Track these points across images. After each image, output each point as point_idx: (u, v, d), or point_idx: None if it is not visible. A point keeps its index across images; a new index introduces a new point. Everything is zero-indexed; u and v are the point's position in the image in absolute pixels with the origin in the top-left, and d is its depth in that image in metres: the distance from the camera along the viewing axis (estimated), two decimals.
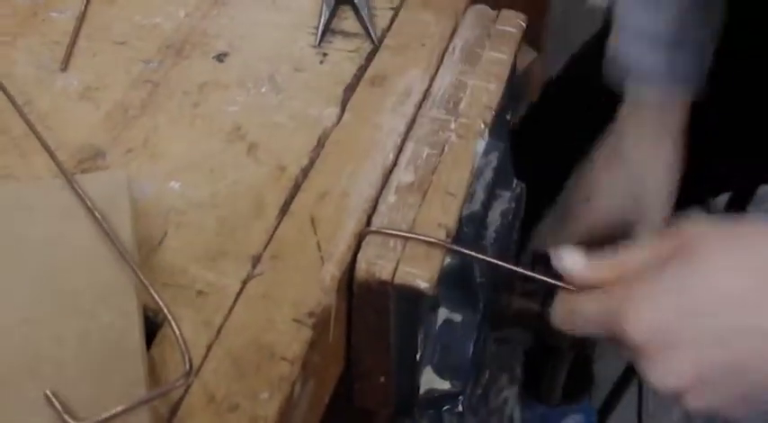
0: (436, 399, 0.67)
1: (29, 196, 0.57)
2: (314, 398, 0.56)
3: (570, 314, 0.58)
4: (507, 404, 1.37)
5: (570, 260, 0.58)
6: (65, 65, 0.69)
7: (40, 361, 0.49)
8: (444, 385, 0.67)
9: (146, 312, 0.53)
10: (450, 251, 0.60)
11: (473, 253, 0.61)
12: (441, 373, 0.67)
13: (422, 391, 0.66)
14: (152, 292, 0.51)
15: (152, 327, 0.53)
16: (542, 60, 1.53)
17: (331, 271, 0.56)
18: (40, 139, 0.61)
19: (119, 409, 0.46)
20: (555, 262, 0.59)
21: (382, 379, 0.63)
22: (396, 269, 0.57)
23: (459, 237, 0.63)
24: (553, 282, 0.60)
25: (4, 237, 0.54)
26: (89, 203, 0.55)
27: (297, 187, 0.61)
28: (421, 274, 0.56)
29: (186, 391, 0.50)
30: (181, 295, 0.55)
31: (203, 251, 0.57)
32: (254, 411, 0.50)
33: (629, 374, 1.47)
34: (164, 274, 0.56)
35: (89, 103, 0.66)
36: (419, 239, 0.58)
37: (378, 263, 0.57)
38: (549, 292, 0.75)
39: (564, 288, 0.59)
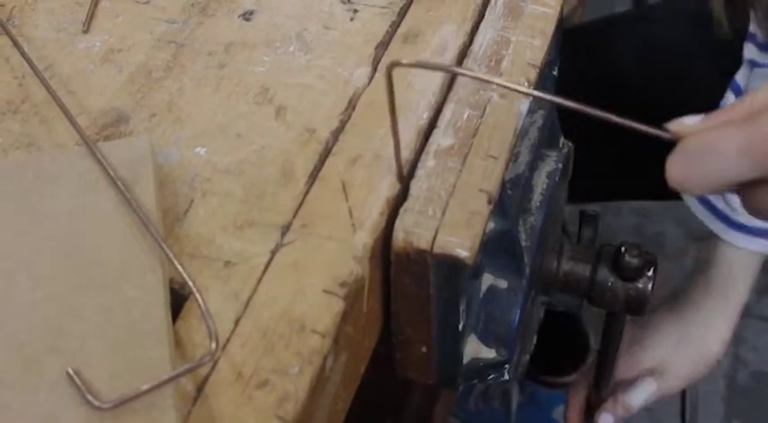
0: (481, 368, 0.65)
1: (50, 166, 0.55)
2: (347, 371, 0.54)
3: (700, 158, 0.44)
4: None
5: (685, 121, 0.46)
6: (87, 27, 0.67)
7: (61, 338, 0.47)
8: (490, 354, 0.65)
9: (171, 284, 0.51)
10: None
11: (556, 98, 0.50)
12: (486, 341, 0.65)
13: (466, 360, 0.64)
14: (177, 264, 0.49)
15: (178, 299, 0.51)
16: (583, 7, 1.49)
17: (363, 239, 0.54)
18: (61, 106, 0.59)
19: (143, 388, 0.45)
20: (670, 126, 0.46)
21: (424, 349, 0.61)
22: (435, 238, 0.54)
23: (502, 201, 0.60)
24: (656, 131, 0.46)
25: (25, 210, 0.53)
26: (112, 173, 0.53)
27: (327, 151, 0.58)
28: (461, 242, 0.54)
29: (213, 367, 0.48)
30: (207, 267, 0.53)
31: (230, 220, 0.55)
32: (284, 387, 0.48)
33: None
34: (190, 244, 0.54)
35: (112, 65, 0.64)
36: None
37: (416, 231, 0.54)
38: (599, 255, 0.73)
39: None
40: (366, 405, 0.62)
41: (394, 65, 0.50)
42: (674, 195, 0.91)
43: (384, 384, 0.69)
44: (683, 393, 1.38)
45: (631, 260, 0.70)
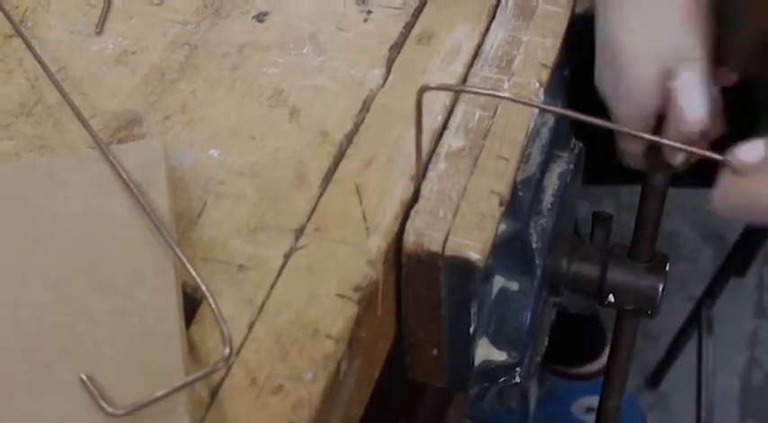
0: (492, 370, 0.65)
1: (63, 169, 0.55)
2: (362, 375, 0.54)
3: (742, 203, 0.53)
4: None
5: (750, 150, 0.52)
6: (100, 28, 0.66)
7: (74, 342, 0.47)
8: (501, 357, 0.65)
9: (185, 289, 0.51)
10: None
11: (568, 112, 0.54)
12: (497, 344, 0.64)
13: (477, 363, 0.64)
14: (190, 269, 0.49)
15: (192, 303, 0.51)
16: None
17: (377, 242, 0.54)
18: (73, 108, 0.58)
19: (156, 394, 0.44)
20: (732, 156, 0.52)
21: (435, 352, 0.61)
22: (446, 240, 0.54)
23: (513, 202, 0.60)
24: (711, 155, 0.51)
25: (38, 213, 0.52)
26: (125, 176, 0.53)
27: (341, 154, 0.58)
28: (472, 244, 0.53)
29: (227, 372, 0.48)
30: (221, 271, 0.52)
31: (244, 223, 0.55)
32: (298, 393, 0.48)
33: (688, 330, 1.44)
34: (203, 248, 0.54)
35: (125, 67, 0.64)
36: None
37: (427, 233, 0.54)
38: (608, 256, 0.72)
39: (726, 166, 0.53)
40: (379, 407, 0.61)
41: (424, 89, 0.50)
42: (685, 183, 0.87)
43: (397, 386, 0.69)
44: (699, 393, 1.37)
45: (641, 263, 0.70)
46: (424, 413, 1.00)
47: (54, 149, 0.59)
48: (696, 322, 1.40)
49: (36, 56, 0.62)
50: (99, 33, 0.66)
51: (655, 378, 1.56)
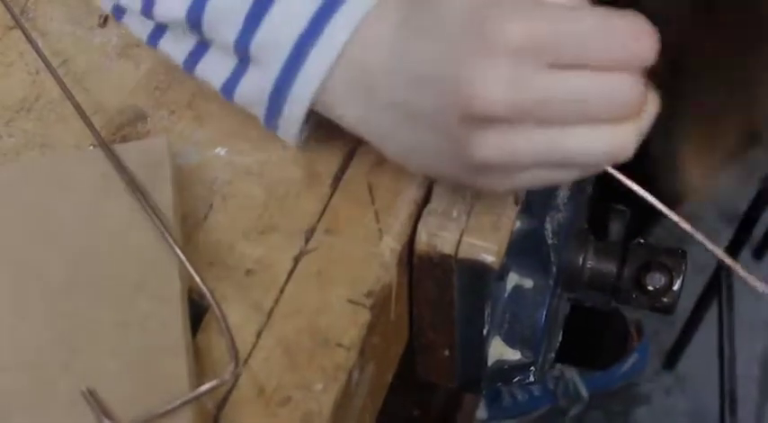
0: (506, 370, 0.63)
1: (64, 169, 0.53)
2: (374, 382, 0.52)
3: None
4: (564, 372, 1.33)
5: None
6: (103, 20, 0.64)
7: (75, 355, 0.45)
8: (515, 356, 0.63)
9: (191, 295, 0.49)
10: None
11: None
12: (511, 342, 0.62)
13: (490, 362, 0.62)
14: (196, 278, 0.47)
15: (198, 310, 0.49)
16: None
17: (390, 245, 0.52)
18: (75, 105, 0.56)
19: (160, 410, 0.43)
20: None
21: (446, 353, 0.59)
22: (459, 241, 0.52)
23: (528, 198, 0.57)
24: None
25: (37, 216, 0.51)
26: (128, 177, 0.51)
27: (352, 152, 0.56)
28: (487, 246, 0.51)
29: (234, 383, 0.46)
30: (228, 275, 0.51)
31: (252, 225, 0.53)
32: (307, 405, 0.46)
33: (705, 305, 1.43)
34: (209, 251, 0.52)
35: (129, 61, 0.62)
36: None
37: (439, 234, 0.52)
38: (625, 252, 0.70)
39: None
40: (392, 397, 0.60)
41: None
42: None
43: (410, 375, 0.67)
44: (722, 379, 1.35)
45: (655, 283, 0.67)
46: (438, 403, 0.99)
47: (55, 147, 0.57)
48: (717, 298, 1.39)
49: (37, 49, 0.60)
50: (102, 25, 0.64)
51: (671, 359, 1.55)
